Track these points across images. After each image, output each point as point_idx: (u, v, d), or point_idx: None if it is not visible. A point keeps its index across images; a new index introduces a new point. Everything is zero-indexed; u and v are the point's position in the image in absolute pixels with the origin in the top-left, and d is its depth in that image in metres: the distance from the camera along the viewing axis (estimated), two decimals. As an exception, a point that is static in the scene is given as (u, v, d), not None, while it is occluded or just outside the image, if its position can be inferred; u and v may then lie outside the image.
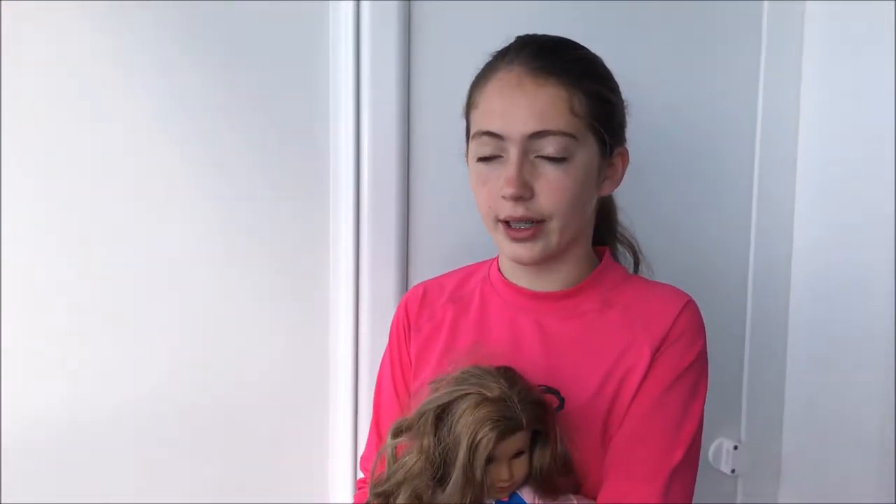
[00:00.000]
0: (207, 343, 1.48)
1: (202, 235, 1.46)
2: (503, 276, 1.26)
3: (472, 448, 0.99)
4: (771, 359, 1.87)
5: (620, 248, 1.38)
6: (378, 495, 1.09)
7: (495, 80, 1.15)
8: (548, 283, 1.22)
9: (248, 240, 1.49)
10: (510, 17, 1.58)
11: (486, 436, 0.99)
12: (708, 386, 1.17)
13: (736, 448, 1.83)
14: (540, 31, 1.59)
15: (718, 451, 1.84)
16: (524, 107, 1.10)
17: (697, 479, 1.80)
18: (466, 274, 1.35)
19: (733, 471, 1.83)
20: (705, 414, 1.78)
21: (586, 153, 1.13)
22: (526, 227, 1.13)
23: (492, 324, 1.24)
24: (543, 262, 1.18)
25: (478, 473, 1.00)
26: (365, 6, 1.46)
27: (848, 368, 1.74)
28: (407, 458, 1.06)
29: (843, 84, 1.74)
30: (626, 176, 1.68)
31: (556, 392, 1.12)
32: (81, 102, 1.37)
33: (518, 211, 1.12)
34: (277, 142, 1.48)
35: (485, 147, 1.14)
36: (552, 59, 1.12)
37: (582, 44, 1.21)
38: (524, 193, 1.11)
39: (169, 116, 1.42)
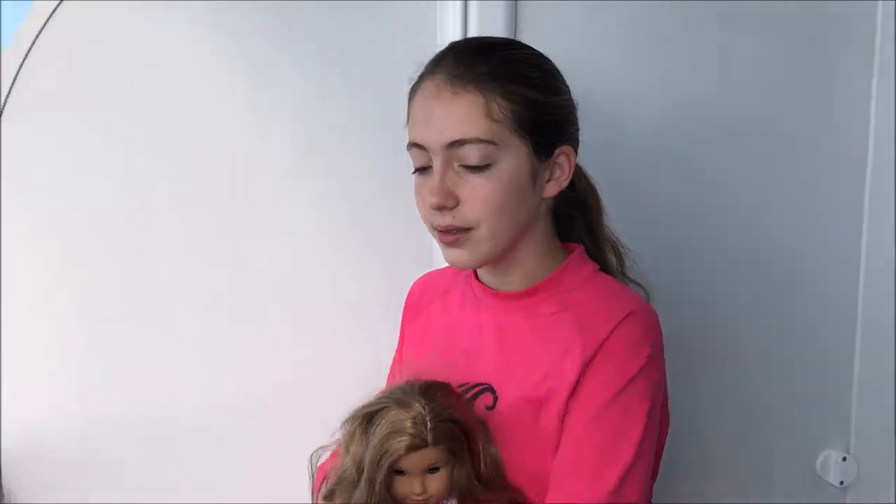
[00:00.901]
0: (313, 344, 1.54)
1: (302, 238, 1.51)
2: (476, 275, 1.28)
3: (377, 459, 1.03)
4: (882, 367, 1.81)
5: (606, 248, 1.33)
6: (325, 497, 1.13)
7: (420, 90, 1.16)
8: (508, 283, 1.22)
9: (348, 241, 1.53)
10: (616, 17, 1.57)
11: (391, 448, 1.02)
12: (656, 402, 1.11)
13: (844, 459, 1.78)
14: (642, 32, 1.60)
15: (826, 462, 1.79)
16: (441, 116, 1.11)
17: (805, 490, 1.78)
18: (458, 270, 1.37)
19: (841, 482, 1.78)
20: (812, 423, 1.77)
21: (512, 157, 1.11)
22: (453, 231, 1.13)
23: (462, 320, 1.27)
24: (482, 266, 1.20)
25: (377, 484, 1.03)
26: (472, 6, 1.47)
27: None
28: (343, 461, 1.09)
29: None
30: (738, 176, 1.65)
31: (492, 390, 1.14)
32: (180, 104, 1.43)
33: (446, 220, 1.13)
34: (383, 144, 1.50)
35: (416, 159, 1.16)
36: (470, 64, 1.11)
37: (525, 43, 1.20)
38: (448, 203, 1.11)
39: (273, 118, 1.47)
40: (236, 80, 1.45)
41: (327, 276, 1.54)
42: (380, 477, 1.03)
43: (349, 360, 1.54)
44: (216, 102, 1.45)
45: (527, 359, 1.15)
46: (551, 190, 1.18)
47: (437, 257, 1.51)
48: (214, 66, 1.44)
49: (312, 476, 1.15)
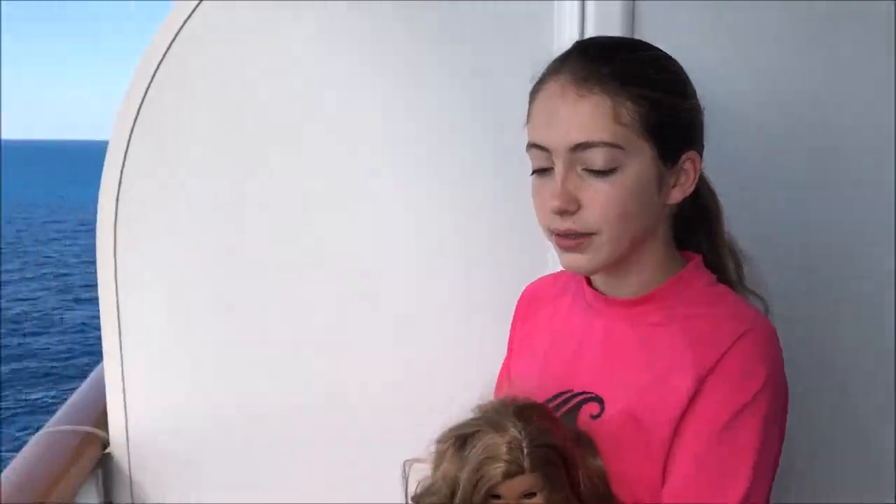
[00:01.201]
0: (424, 346, 1.56)
1: (417, 240, 1.53)
2: (589, 281, 1.24)
3: (473, 483, 1.02)
4: None
5: (725, 256, 1.28)
6: (413, 499, 1.13)
7: (544, 90, 1.12)
8: (619, 289, 1.19)
9: (465, 241, 1.54)
10: (735, 18, 1.53)
11: (488, 474, 1.01)
12: (774, 422, 1.07)
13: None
14: (762, 33, 1.55)
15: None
16: (566, 118, 1.08)
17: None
18: (572, 275, 1.34)
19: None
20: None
21: (638, 163, 1.08)
22: (573, 236, 1.11)
23: (571, 326, 1.25)
24: (599, 272, 1.17)
25: None
26: (590, 6, 1.46)
27: None
28: (435, 474, 1.09)
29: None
30: (862, 176, 1.59)
31: (598, 399, 1.12)
32: (305, 102, 1.48)
33: (565, 224, 1.10)
34: (496, 145, 1.51)
35: (536, 160, 1.13)
36: (597, 65, 1.08)
37: (651, 44, 1.15)
38: (569, 207, 1.08)
39: (392, 117, 1.50)
40: (355, 81, 1.48)
41: (439, 279, 1.56)
42: (477, 499, 1.02)
43: (459, 362, 1.55)
44: (338, 101, 1.49)
45: (634, 369, 1.13)
46: (676, 196, 1.15)
47: (552, 262, 1.51)
48: (336, 65, 1.47)
49: (405, 482, 1.15)
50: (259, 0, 1.44)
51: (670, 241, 1.20)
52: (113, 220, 1.45)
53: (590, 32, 1.46)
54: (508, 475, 1.02)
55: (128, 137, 1.43)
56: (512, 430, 1.03)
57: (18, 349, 13.14)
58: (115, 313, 1.48)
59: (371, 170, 1.51)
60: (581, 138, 1.07)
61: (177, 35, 1.41)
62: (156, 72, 1.43)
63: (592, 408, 1.13)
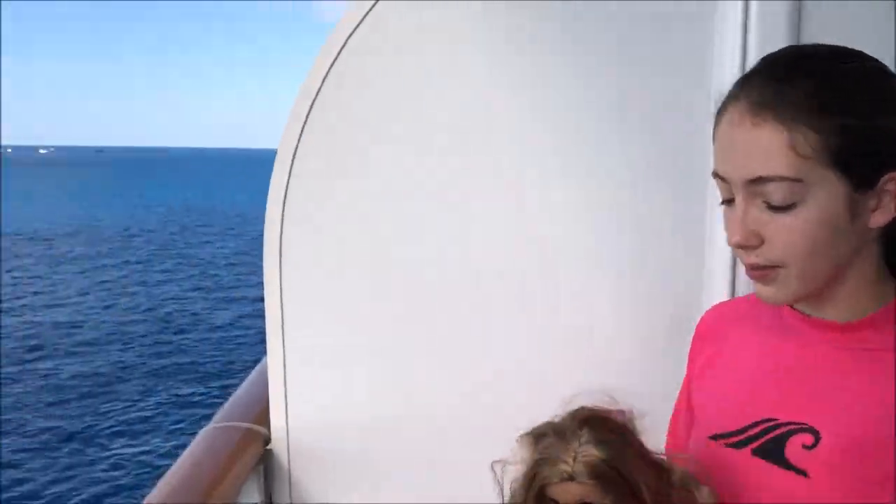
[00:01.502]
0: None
1: (571, 239, 1.51)
2: None
3: (528, 481, 1.05)
4: None
5: None
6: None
7: (726, 114, 1.05)
8: (827, 311, 1.10)
9: (620, 246, 1.52)
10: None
11: (541, 473, 1.03)
12: None
13: None
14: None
15: None
16: (741, 150, 1.01)
17: None
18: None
19: None
20: None
21: (823, 194, 0.99)
22: (759, 268, 1.05)
23: (764, 348, 1.17)
24: (795, 302, 1.10)
25: None
26: (753, 6, 1.41)
27: None
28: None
29: None
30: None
31: (811, 430, 1.04)
32: (457, 103, 1.49)
33: (750, 258, 1.04)
34: (658, 147, 1.49)
35: (720, 190, 1.07)
36: (777, 87, 1.00)
37: (855, 51, 1.04)
38: (751, 242, 1.03)
39: (548, 117, 1.49)
40: (514, 76, 1.49)
41: (600, 297, 1.54)
42: (529, 499, 1.04)
43: (607, 373, 1.52)
44: (496, 110, 1.49)
45: (852, 398, 1.05)
46: (878, 220, 1.04)
47: (716, 266, 1.49)
48: (496, 70, 1.48)
49: (500, 485, 1.14)
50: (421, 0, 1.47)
51: (881, 261, 1.10)
52: (279, 223, 1.50)
53: (753, 34, 1.42)
54: (561, 479, 1.03)
55: (295, 145, 1.48)
56: (573, 438, 1.04)
57: (169, 346, 13.77)
58: (279, 314, 1.53)
59: (520, 180, 1.51)
60: (756, 172, 1.01)
61: (352, 33, 1.45)
62: (325, 77, 1.47)
63: (805, 438, 1.05)
